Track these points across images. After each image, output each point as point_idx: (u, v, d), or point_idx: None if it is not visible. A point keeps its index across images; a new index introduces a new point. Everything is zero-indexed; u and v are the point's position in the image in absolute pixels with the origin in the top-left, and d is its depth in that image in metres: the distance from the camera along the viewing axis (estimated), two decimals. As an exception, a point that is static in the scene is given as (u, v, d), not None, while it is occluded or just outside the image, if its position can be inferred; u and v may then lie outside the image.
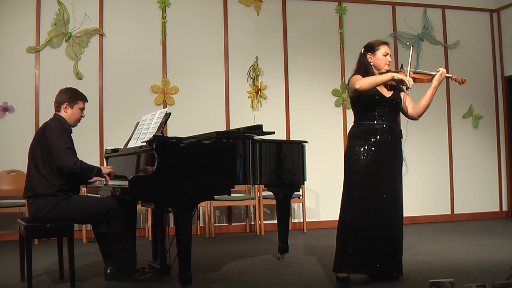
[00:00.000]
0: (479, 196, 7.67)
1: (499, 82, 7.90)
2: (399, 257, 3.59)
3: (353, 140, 3.68)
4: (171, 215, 4.24)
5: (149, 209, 5.53)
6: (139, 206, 4.11)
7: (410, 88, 3.58)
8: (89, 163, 3.67)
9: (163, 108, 6.52)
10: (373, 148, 3.58)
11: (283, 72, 7.07)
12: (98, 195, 3.99)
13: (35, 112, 6.27)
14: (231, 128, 6.66)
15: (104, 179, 3.73)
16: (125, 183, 3.43)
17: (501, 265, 4.00)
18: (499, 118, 7.87)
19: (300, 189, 6.13)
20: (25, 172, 3.77)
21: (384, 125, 3.62)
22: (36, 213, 3.58)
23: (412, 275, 3.73)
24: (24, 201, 5.46)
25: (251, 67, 6.93)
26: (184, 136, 3.54)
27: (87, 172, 3.62)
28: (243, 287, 3.61)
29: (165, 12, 6.73)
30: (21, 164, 5.56)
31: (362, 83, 3.52)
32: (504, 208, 7.81)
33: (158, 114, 3.83)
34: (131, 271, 3.71)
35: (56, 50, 6.41)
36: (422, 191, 7.42)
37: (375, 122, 3.63)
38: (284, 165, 4.13)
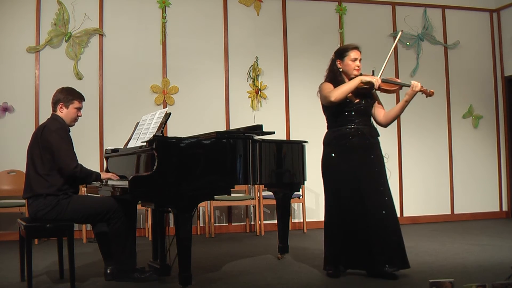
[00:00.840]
0: (479, 196, 7.67)
1: (499, 82, 7.90)
2: (400, 250, 3.62)
3: (327, 147, 3.85)
4: (171, 215, 4.24)
5: (149, 209, 5.53)
6: (139, 206, 4.11)
7: (376, 89, 3.65)
8: (88, 168, 3.67)
9: (163, 108, 6.52)
10: (345, 153, 3.72)
11: (283, 72, 7.07)
12: (98, 195, 3.99)
13: (35, 112, 6.27)
14: (231, 128, 6.66)
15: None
16: (125, 183, 3.43)
17: (501, 265, 4.00)
18: (499, 118, 7.87)
19: (300, 189, 6.13)
20: (25, 172, 3.77)
21: (355, 129, 3.72)
22: (36, 213, 3.58)
23: (412, 275, 3.72)
24: (24, 201, 5.46)
25: (251, 67, 6.93)
26: (184, 136, 3.53)
27: (86, 177, 3.64)
28: (243, 287, 3.60)
29: (165, 12, 6.73)
30: (21, 164, 5.52)
31: (336, 94, 3.62)
32: (504, 208, 7.81)
33: (158, 114, 3.82)
34: (131, 271, 3.71)
35: (56, 50, 6.41)
36: (422, 191, 7.42)
37: (346, 126, 3.74)
38: (284, 165, 4.13)
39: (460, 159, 7.63)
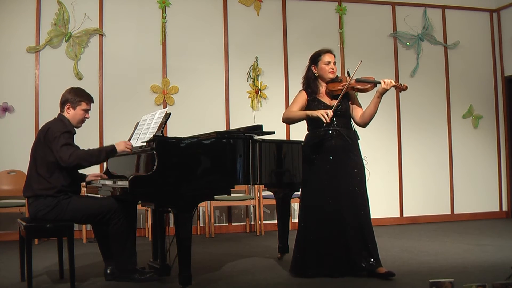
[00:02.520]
0: (479, 196, 7.67)
1: (499, 82, 7.90)
2: (371, 250, 3.68)
3: (306, 149, 3.93)
4: (171, 215, 4.24)
5: (149, 209, 5.53)
6: (139, 206, 4.11)
7: (325, 123, 3.67)
8: (95, 147, 3.61)
9: (163, 108, 6.52)
10: (324, 154, 3.80)
11: (283, 72, 7.07)
12: (98, 195, 3.99)
13: (35, 112, 6.28)
14: (231, 128, 6.66)
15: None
16: (125, 183, 3.42)
17: (501, 265, 4.00)
18: (499, 118, 7.87)
19: (300, 189, 6.12)
20: (25, 172, 3.76)
21: (332, 131, 3.80)
22: (36, 213, 3.58)
23: (412, 275, 3.73)
24: (24, 201, 5.46)
25: (251, 67, 6.93)
26: (184, 136, 3.53)
27: (92, 158, 3.55)
28: (243, 287, 3.61)
29: (165, 12, 6.73)
30: (21, 164, 5.56)
31: (285, 118, 3.91)
32: (504, 208, 7.81)
33: (158, 114, 3.82)
34: (131, 271, 3.70)
35: (56, 50, 6.41)
36: (422, 191, 7.42)
37: (326, 129, 3.81)
38: (284, 165, 4.13)
39: (460, 159, 7.62)
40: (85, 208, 3.64)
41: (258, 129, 3.84)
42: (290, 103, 7.11)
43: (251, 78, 6.93)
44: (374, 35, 7.30)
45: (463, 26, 7.77)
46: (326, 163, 3.79)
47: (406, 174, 7.38)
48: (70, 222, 3.56)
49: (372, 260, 3.67)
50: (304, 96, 3.89)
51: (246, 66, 6.93)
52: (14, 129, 6.21)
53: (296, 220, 6.88)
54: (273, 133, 3.99)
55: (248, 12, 7.02)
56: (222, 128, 6.60)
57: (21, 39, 6.31)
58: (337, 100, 3.76)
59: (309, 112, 3.74)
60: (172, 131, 6.32)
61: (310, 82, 3.90)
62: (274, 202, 4.90)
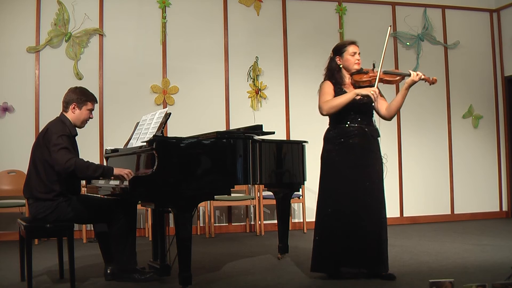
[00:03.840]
0: (479, 196, 7.67)
1: (499, 82, 7.90)
2: (383, 255, 3.64)
3: (327, 144, 3.84)
4: (171, 215, 4.24)
5: (149, 209, 5.53)
6: (139, 206, 4.11)
7: (374, 101, 3.64)
8: (96, 163, 3.56)
9: (163, 108, 6.52)
10: (345, 152, 3.71)
11: (283, 72, 7.07)
12: (98, 195, 3.99)
13: (35, 112, 6.28)
14: (231, 128, 6.66)
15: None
16: (125, 183, 3.43)
17: (501, 265, 4.00)
18: (499, 118, 7.87)
19: (300, 189, 6.13)
20: (25, 172, 3.75)
21: (355, 128, 3.71)
22: (36, 215, 3.57)
23: (412, 275, 3.73)
24: (24, 201, 5.46)
25: (251, 67, 6.93)
26: (184, 136, 3.53)
27: (88, 170, 3.45)
28: (243, 287, 3.61)
29: (165, 12, 6.73)
30: (21, 164, 5.57)
31: (328, 108, 3.67)
32: (504, 208, 7.81)
33: (158, 114, 3.82)
34: (131, 271, 3.70)
35: (56, 50, 6.41)
36: (422, 191, 7.42)
37: (347, 125, 3.74)
38: (284, 165, 4.13)
39: (460, 159, 7.63)
40: (86, 208, 3.63)
41: (258, 129, 3.85)
42: (290, 103, 7.23)
43: (251, 78, 6.93)
44: (374, 35, 7.29)
45: (463, 26, 7.78)
46: (345, 160, 3.69)
47: (406, 174, 7.38)
48: (71, 222, 3.55)
49: (380, 266, 3.61)
50: (331, 86, 3.75)
51: (246, 66, 6.93)
52: (14, 129, 6.21)
53: (296, 220, 6.94)
54: (273, 133, 3.99)
55: (248, 12, 7.02)
56: (222, 128, 6.60)
57: (21, 39, 6.31)
58: (381, 63, 3.65)
59: (358, 91, 3.60)
60: (172, 131, 6.32)
61: (335, 73, 3.79)
62: (274, 202, 4.90)
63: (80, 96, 3.71)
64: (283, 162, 4.11)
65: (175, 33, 6.75)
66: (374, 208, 3.65)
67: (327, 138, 3.84)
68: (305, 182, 4.48)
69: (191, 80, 6.76)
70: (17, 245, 3.82)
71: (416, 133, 7.44)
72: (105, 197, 3.87)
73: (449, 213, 7.55)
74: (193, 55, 6.78)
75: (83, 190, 4.45)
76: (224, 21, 6.92)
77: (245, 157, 3.60)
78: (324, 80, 3.84)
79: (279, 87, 7.04)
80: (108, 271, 3.75)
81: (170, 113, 3.80)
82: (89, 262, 4.51)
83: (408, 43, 7.48)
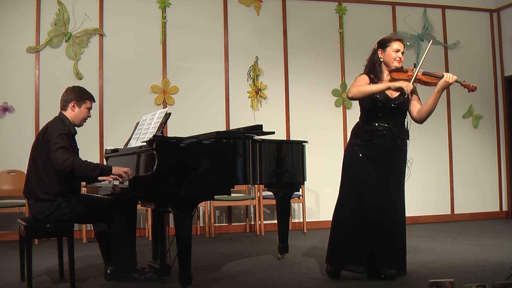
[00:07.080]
0: (479, 196, 7.67)
1: (499, 82, 7.90)
2: (401, 255, 3.64)
3: (353, 138, 3.78)
4: (171, 215, 4.24)
5: (149, 209, 5.53)
6: (139, 206, 4.11)
7: (408, 95, 3.59)
8: (95, 162, 3.56)
9: (163, 108, 6.52)
10: (370, 150, 3.66)
11: (283, 72, 7.07)
12: (98, 195, 3.98)
13: (35, 112, 6.28)
14: (231, 128, 6.66)
15: (111, 179, 3.61)
16: (125, 183, 3.43)
17: (501, 265, 4.00)
18: (499, 118, 7.88)
19: (300, 189, 6.12)
20: (25, 172, 3.74)
21: (385, 128, 3.65)
22: (36, 215, 3.57)
23: (412, 275, 3.73)
24: (24, 201, 5.47)
25: (251, 67, 6.93)
26: (184, 136, 3.53)
27: (86, 170, 3.43)
28: (243, 287, 3.60)
29: (165, 12, 6.73)
30: (21, 164, 5.56)
31: (354, 92, 3.59)
32: (504, 208, 7.81)
33: (158, 114, 3.82)
34: (131, 271, 3.70)
35: (56, 50, 6.41)
36: (422, 191, 7.42)
37: (376, 124, 3.68)
38: (284, 165, 4.13)
39: (460, 159, 7.63)
40: (85, 208, 3.63)
41: (258, 129, 3.85)
42: (290, 103, 7.23)
43: (251, 78, 6.93)
44: (374, 35, 7.26)
45: (463, 26, 7.78)
46: (366, 157, 3.64)
47: (406, 174, 7.36)
48: (71, 222, 3.55)
49: (385, 268, 3.58)
50: (366, 80, 3.68)
51: (246, 66, 6.93)
52: (14, 129, 6.21)
53: (296, 220, 6.94)
54: (273, 133, 3.99)
55: (248, 12, 7.02)
56: (222, 128, 6.60)
57: (21, 39, 6.31)
58: (420, 64, 3.59)
59: (391, 84, 3.55)
60: (172, 131, 6.32)
61: (375, 66, 3.71)
62: (274, 202, 4.89)
63: (79, 95, 3.73)
64: (283, 162, 4.11)
65: (175, 33, 6.75)
66: (390, 208, 3.62)
67: (355, 132, 3.77)
68: (305, 182, 4.48)
69: (191, 80, 6.76)
70: (17, 245, 3.82)
71: (416, 133, 7.40)
72: (105, 197, 3.87)
73: (449, 213, 7.55)
74: (193, 55, 6.78)
75: (83, 190, 4.45)
76: (224, 21, 6.92)
77: (245, 157, 3.60)
78: (362, 73, 3.76)
79: (279, 87, 7.04)
80: (108, 271, 3.75)
81: (170, 113, 3.80)
82: (89, 262, 4.51)
83: (408, 43, 7.47)
